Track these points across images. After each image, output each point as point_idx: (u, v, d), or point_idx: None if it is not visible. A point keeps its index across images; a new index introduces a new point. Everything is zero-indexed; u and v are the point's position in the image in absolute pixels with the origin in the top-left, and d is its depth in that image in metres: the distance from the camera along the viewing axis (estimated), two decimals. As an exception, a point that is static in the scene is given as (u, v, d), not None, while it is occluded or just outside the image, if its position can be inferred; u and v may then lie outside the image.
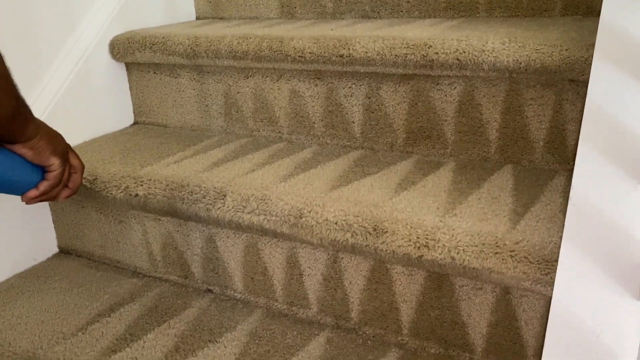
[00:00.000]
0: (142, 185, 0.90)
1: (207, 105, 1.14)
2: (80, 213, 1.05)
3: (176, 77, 1.16)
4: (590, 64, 0.74)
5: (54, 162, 0.74)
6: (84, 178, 0.95)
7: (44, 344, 0.83)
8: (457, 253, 0.67)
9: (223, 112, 1.13)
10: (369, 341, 0.81)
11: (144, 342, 0.82)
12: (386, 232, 0.72)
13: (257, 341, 0.82)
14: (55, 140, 0.74)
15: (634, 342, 0.56)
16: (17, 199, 1.01)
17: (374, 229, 0.73)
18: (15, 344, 0.83)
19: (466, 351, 0.76)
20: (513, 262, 0.65)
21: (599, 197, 0.62)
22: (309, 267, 0.85)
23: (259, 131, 1.10)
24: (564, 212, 0.74)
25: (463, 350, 0.77)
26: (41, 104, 1.06)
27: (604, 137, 0.66)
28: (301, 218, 0.78)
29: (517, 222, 0.72)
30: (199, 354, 0.79)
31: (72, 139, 1.11)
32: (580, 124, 0.75)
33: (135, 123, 1.24)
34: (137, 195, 0.90)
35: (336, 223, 0.75)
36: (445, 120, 0.93)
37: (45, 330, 0.86)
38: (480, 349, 0.76)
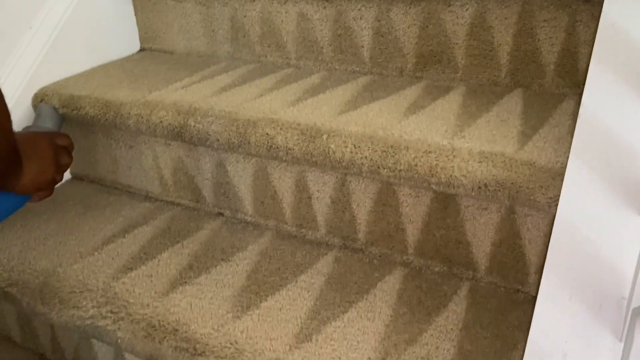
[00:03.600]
0: (151, 110, 0.91)
1: (213, 31, 1.12)
2: (91, 139, 1.06)
3: (181, 2, 1.13)
4: (608, -19, 0.72)
5: (42, 195, 0.82)
6: (95, 102, 0.96)
7: (63, 262, 0.86)
8: (467, 172, 0.68)
9: (229, 37, 1.11)
10: (375, 260, 0.84)
11: (159, 260, 0.85)
12: (395, 154, 0.73)
13: (267, 260, 0.85)
14: (41, 178, 0.78)
15: (634, 256, 0.57)
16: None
17: (383, 151, 0.74)
18: (36, 262, 0.87)
19: (470, 269, 0.79)
20: (521, 178, 0.66)
21: (608, 114, 0.62)
22: (318, 191, 0.87)
23: (266, 57, 1.09)
24: (572, 134, 0.74)
25: (467, 269, 0.79)
26: (46, 30, 1.05)
27: (615, 55, 0.65)
28: (311, 141, 0.78)
29: (525, 143, 0.72)
30: (212, 271, 0.83)
31: (79, 66, 1.11)
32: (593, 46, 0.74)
33: (141, 50, 1.23)
34: (146, 120, 0.90)
35: (345, 145, 0.76)
36: (456, 44, 0.92)
37: (63, 250, 0.89)
38: (483, 267, 0.78)
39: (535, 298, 0.73)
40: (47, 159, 0.79)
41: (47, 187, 0.81)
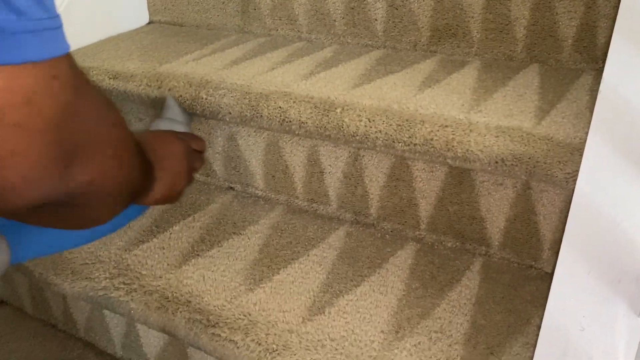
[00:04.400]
0: (162, 82, 0.90)
1: (223, 3, 1.11)
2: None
3: (191, -27, 1.12)
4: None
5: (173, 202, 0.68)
6: (105, 73, 0.95)
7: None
8: (484, 146, 0.68)
9: (240, 9, 1.09)
10: (387, 235, 0.84)
11: (170, 233, 0.85)
12: (411, 127, 0.72)
13: (279, 233, 0.85)
14: (173, 191, 0.65)
15: (653, 231, 0.57)
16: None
17: (398, 125, 0.73)
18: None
19: (483, 245, 0.79)
20: (539, 153, 0.66)
21: (629, 89, 0.60)
22: (330, 165, 0.86)
23: (277, 30, 1.07)
24: (590, 109, 0.73)
25: (480, 244, 0.79)
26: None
27: (639, 29, 0.64)
28: (325, 115, 0.77)
29: (542, 118, 0.71)
30: (224, 244, 0.83)
31: (88, 38, 1.09)
32: (614, 20, 0.72)
33: (150, 22, 1.21)
34: (157, 90, 0.89)
35: (359, 119, 0.75)
36: (472, 17, 0.90)
37: (75, 222, 0.89)
38: (497, 243, 0.78)
39: (548, 274, 0.73)
40: (182, 170, 0.66)
41: (176, 199, 0.68)
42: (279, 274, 0.77)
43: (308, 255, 0.80)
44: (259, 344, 0.67)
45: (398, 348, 0.65)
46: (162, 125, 0.81)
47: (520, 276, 0.75)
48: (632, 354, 0.55)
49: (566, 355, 0.57)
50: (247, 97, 0.83)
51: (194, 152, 0.72)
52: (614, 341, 0.56)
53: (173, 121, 0.83)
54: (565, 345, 0.57)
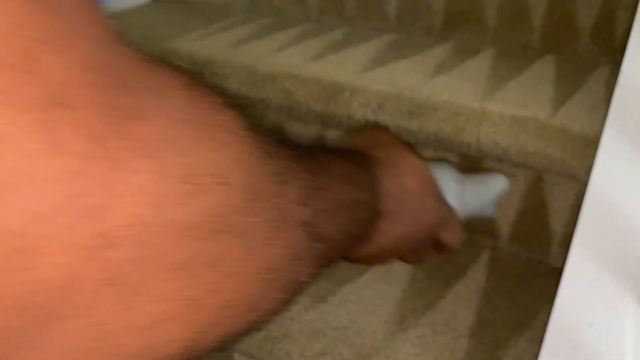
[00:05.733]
0: (166, 59, 0.87)
1: (231, -19, 1.08)
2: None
3: (199, -52, 1.09)
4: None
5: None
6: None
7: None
8: (498, 136, 0.66)
9: (248, -12, 1.07)
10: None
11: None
12: (424, 114, 0.70)
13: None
14: (408, 241, 0.40)
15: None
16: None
17: (409, 111, 0.71)
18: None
19: (491, 238, 0.77)
20: (554, 145, 0.64)
21: (654, 81, 0.59)
22: (336, 151, 0.84)
23: (286, 10, 1.05)
24: (607, 101, 0.71)
25: (488, 237, 0.77)
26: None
27: (664, 20, 0.61)
28: (333, 98, 0.75)
29: (558, 109, 0.69)
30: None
31: (91, 12, 1.06)
32: (634, 12, 0.70)
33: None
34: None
35: (370, 103, 0.73)
36: (488, 3, 0.88)
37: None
38: (506, 236, 0.76)
39: (557, 269, 0.71)
40: (428, 209, 0.41)
41: (410, 259, 0.44)
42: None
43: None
44: (259, 331, 0.65)
45: (401, 339, 0.63)
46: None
47: (528, 271, 0.73)
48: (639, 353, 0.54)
49: (574, 350, 0.56)
50: (253, 77, 0.80)
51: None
52: (623, 337, 0.55)
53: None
54: (573, 341, 0.56)
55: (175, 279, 0.20)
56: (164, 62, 0.24)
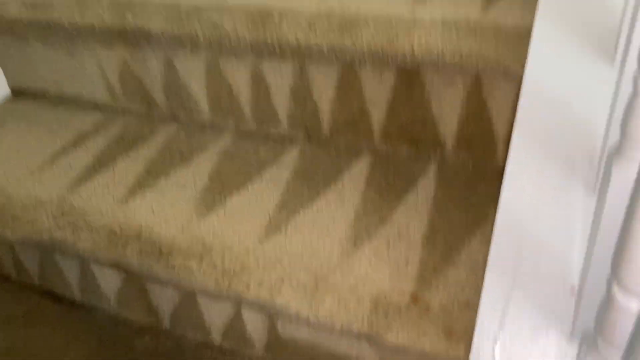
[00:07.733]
0: (86, 9, 0.83)
1: None
2: (28, 50, 0.97)
3: None
4: None
5: None
6: (22, 3, 0.86)
7: (11, 180, 0.81)
8: (433, 41, 0.64)
9: None
10: (341, 149, 0.81)
11: (114, 169, 0.81)
12: (356, 27, 0.68)
13: (229, 159, 0.81)
14: None
15: (605, 107, 0.55)
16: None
17: (341, 27, 0.69)
18: (-18, 182, 0.81)
19: (437, 148, 0.77)
20: (488, 42, 0.63)
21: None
22: (276, 83, 0.81)
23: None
24: (538, -5, 0.70)
25: (434, 148, 0.77)
26: None
27: None
28: (262, 24, 0.72)
29: (488, 7, 0.68)
30: (172, 174, 0.79)
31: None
32: None
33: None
34: (82, 16, 0.82)
35: (301, 24, 0.71)
36: None
37: (10, 168, 0.84)
38: (451, 145, 0.76)
39: (504, 169, 0.71)
40: None
41: None
42: (231, 198, 0.74)
43: (261, 177, 0.77)
44: (215, 268, 0.65)
45: (357, 256, 0.64)
46: None
47: (476, 175, 0.74)
48: (587, 235, 0.55)
49: (521, 245, 0.57)
50: (177, 13, 0.76)
51: None
52: (570, 224, 0.55)
53: None
54: (521, 235, 0.56)
55: None
56: None
